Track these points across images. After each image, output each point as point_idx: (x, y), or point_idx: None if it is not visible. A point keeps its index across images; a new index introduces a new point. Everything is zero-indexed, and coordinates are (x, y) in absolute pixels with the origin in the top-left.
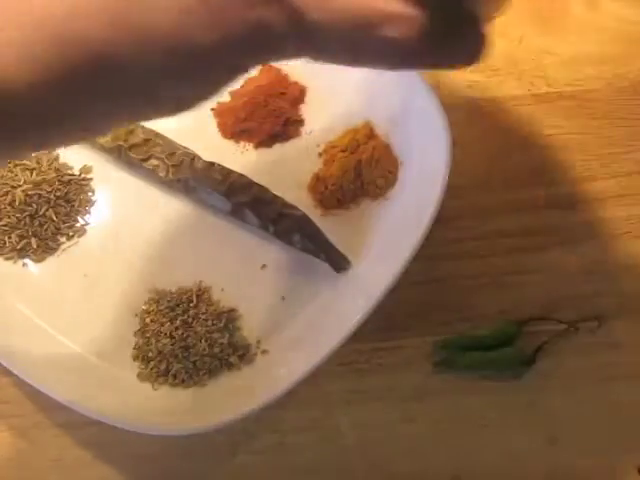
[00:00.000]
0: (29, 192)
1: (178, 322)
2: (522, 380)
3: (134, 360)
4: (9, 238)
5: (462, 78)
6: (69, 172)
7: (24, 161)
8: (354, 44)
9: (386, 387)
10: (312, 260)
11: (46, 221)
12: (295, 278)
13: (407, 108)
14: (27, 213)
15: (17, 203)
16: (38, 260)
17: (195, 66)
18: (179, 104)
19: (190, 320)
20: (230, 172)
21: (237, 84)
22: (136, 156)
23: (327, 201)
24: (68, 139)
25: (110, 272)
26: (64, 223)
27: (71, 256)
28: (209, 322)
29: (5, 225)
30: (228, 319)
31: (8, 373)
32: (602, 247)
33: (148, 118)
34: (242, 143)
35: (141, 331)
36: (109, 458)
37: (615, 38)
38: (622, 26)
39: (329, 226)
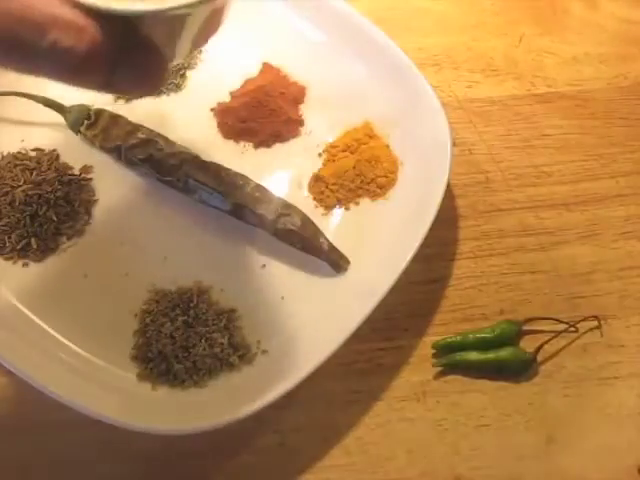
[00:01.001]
0: (29, 192)
1: (178, 322)
2: (522, 380)
3: (134, 360)
4: (9, 238)
5: (462, 78)
6: (69, 172)
7: (24, 161)
8: (21, 47)
9: (386, 387)
10: (312, 260)
11: (46, 221)
12: (295, 278)
13: (407, 108)
14: (27, 213)
15: (17, 203)
16: (38, 260)
17: None
18: None
19: (190, 320)
20: (229, 172)
21: (237, 84)
22: (136, 156)
23: (327, 201)
24: None
25: (110, 272)
26: (64, 223)
27: (71, 256)
28: (209, 322)
29: (5, 225)
30: (228, 319)
31: (8, 373)
32: (602, 247)
33: None
34: (242, 143)
35: (141, 331)
36: (109, 458)
37: (615, 38)
38: (622, 26)
39: (329, 226)
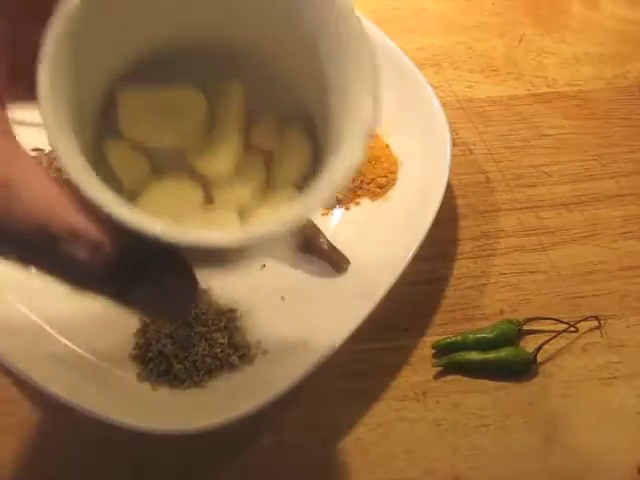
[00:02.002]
0: None
1: (178, 322)
2: (522, 380)
3: (134, 360)
4: None
5: (462, 78)
6: None
7: None
8: (33, 250)
9: (386, 387)
10: (312, 260)
11: None
12: (295, 278)
13: (407, 108)
14: None
15: None
16: None
17: None
18: None
19: (190, 320)
20: None
21: None
22: None
23: None
24: None
25: None
26: None
27: None
28: (209, 322)
29: None
30: (228, 319)
31: (8, 373)
32: (602, 247)
33: None
34: None
35: (141, 331)
36: (109, 458)
37: (615, 38)
38: (622, 26)
39: (329, 226)
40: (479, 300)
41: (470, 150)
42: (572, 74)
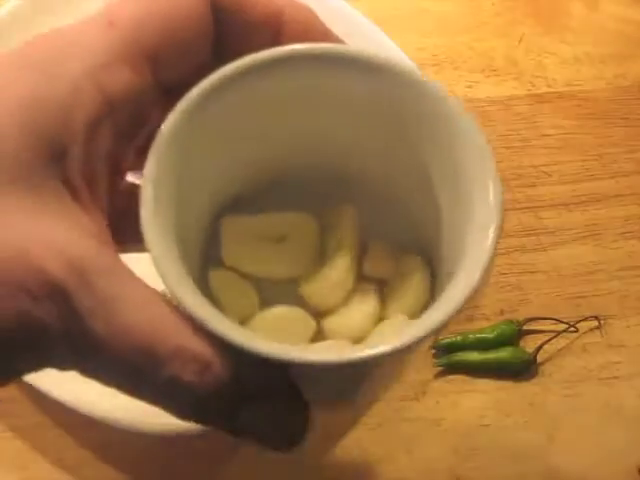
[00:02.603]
0: None
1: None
2: (522, 380)
3: None
4: None
5: (462, 78)
6: None
7: None
8: (136, 374)
9: (386, 387)
10: None
11: None
12: None
13: None
14: None
15: None
16: None
17: None
18: None
19: None
20: None
21: None
22: None
23: None
24: None
25: None
26: None
27: None
28: None
29: None
30: None
31: None
32: (602, 247)
33: None
34: None
35: None
36: (110, 458)
37: (615, 38)
38: (622, 26)
39: None
40: (479, 300)
41: None
42: (572, 74)
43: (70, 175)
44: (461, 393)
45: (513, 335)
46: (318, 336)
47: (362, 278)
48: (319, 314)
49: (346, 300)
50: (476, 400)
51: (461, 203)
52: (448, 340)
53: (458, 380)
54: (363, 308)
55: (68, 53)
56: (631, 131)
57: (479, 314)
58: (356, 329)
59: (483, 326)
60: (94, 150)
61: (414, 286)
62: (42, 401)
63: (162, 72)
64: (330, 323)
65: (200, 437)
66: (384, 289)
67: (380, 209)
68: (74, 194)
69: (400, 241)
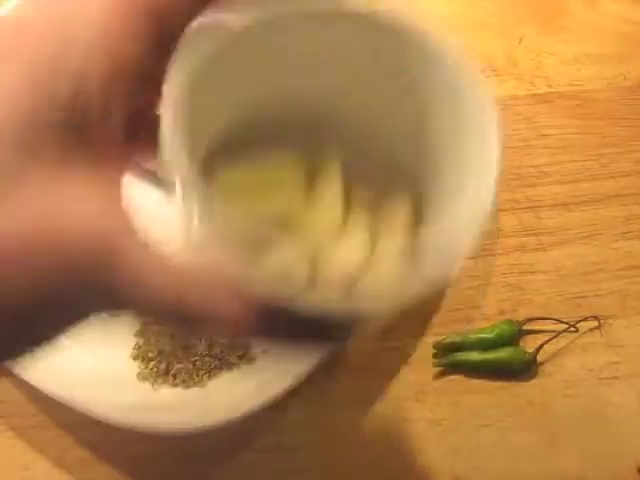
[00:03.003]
0: None
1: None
2: (522, 380)
3: (134, 360)
4: None
5: None
6: None
7: None
8: (178, 321)
9: (386, 387)
10: None
11: None
12: None
13: None
14: None
15: None
16: None
17: None
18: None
19: None
20: None
21: None
22: None
23: None
24: None
25: None
26: None
27: None
28: None
29: None
30: None
31: (8, 373)
32: (602, 247)
33: None
34: None
35: (141, 331)
36: (110, 458)
37: (615, 38)
38: (622, 26)
39: None
40: (479, 300)
41: None
42: (572, 74)
43: (90, 141)
44: (461, 393)
45: (513, 335)
46: (312, 270)
47: (351, 210)
48: (312, 249)
49: (338, 233)
50: (476, 400)
51: (462, 143)
52: (448, 340)
53: (458, 380)
54: (354, 240)
55: (73, 20)
56: (631, 131)
57: (479, 314)
58: (349, 261)
59: (483, 326)
60: (108, 113)
61: (402, 221)
62: (42, 401)
63: (163, 26)
64: (323, 256)
65: (200, 437)
66: (372, 221)
67: (366, 153)
68: (96, 160)
69: (384, 180)
